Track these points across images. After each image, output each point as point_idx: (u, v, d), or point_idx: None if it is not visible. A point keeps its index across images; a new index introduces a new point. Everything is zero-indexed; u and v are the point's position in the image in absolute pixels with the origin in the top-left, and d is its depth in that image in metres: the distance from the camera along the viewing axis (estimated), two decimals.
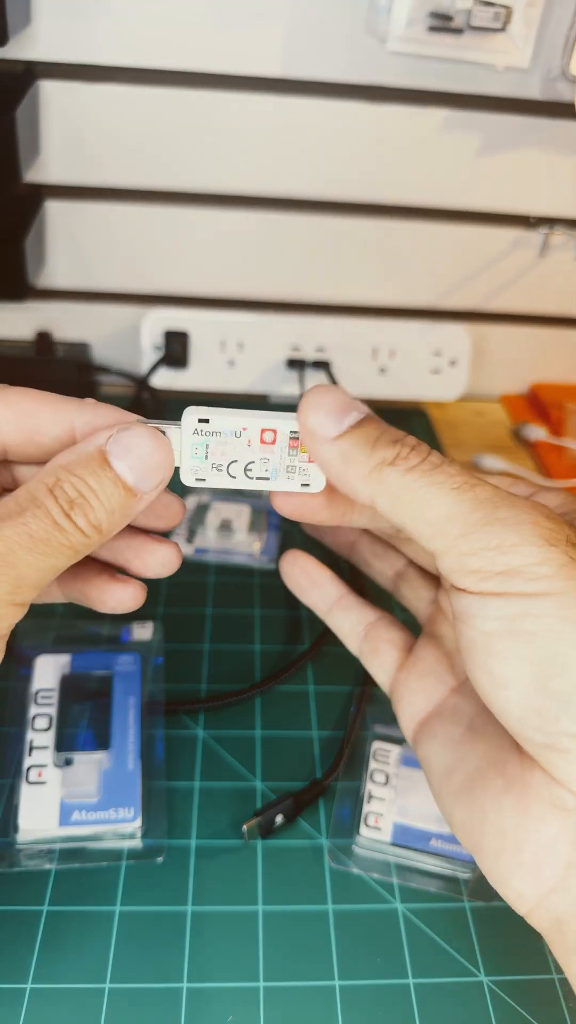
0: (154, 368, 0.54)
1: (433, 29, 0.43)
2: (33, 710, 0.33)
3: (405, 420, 0.58)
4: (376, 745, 0.33)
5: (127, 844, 0.30)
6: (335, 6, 0.45)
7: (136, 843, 0.30)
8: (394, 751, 0.33)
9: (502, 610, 0.18)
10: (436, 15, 0.42)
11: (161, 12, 0.45)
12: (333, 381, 0.55)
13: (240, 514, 0.46)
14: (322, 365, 0.55)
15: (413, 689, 0.25)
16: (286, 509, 0.22)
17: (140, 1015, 0.25)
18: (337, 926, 0.28)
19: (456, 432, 0.58)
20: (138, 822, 0.30)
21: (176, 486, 0.22)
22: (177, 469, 0.21)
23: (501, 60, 0.44)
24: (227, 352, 0.55)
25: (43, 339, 0.55)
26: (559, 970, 0.27)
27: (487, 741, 0.22)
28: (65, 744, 0.32)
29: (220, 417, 0.21)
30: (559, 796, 0.19)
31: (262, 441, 0.21)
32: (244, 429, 0.21)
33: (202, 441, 0.21)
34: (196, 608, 0.41)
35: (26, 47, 0.45)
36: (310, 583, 0.28)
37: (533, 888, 0.19)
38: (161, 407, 0.56)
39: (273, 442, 0.21)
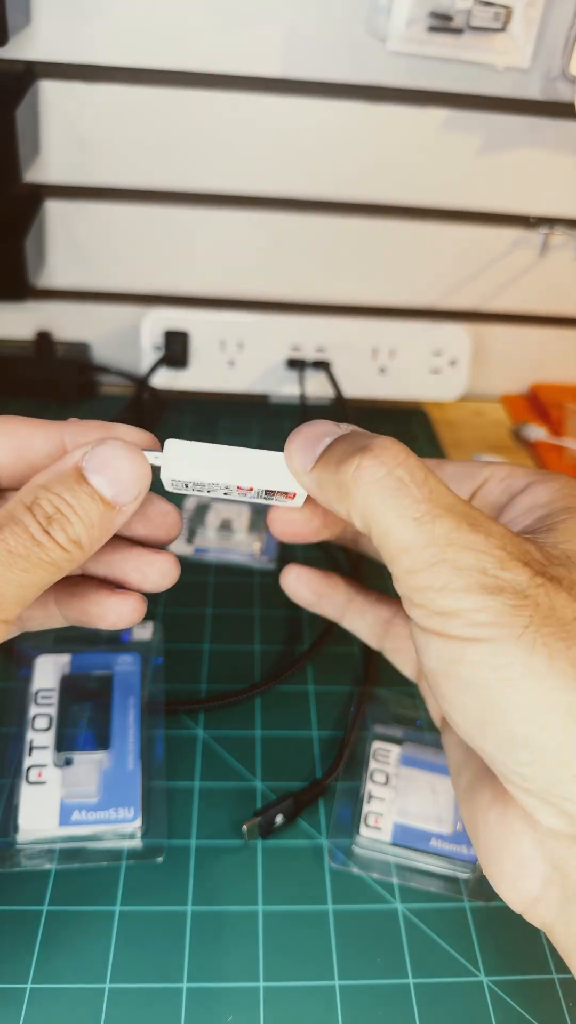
0: (154, 368, 0.54)
1: (433, 29, 0.43)
2: (33, 710, 0.33)
3: (405, 420, 0.58)
4: (376, 745, 0.33)
5: (127, 844, 0.30)
6: (335, 6, 0.45)
7: (136, 843, 0.30)
8: (394, 751, 0.33)
9: (441, 651, 0.18)
10: (436, 15, 0.42)
11: (161, 12, 0.45)
12: (333, 381, 0.55)
13: (240, 514, 0.46)
14: (322, 365, 0.55)
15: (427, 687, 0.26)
16: (285, 535, 0.23)
17: (140, 1015, 0.25)
18: (337, 926, 0.28)
19: (456, 432, 0.58)
20: (138, 822, 0.30)
21: (158, 487, 0.22)
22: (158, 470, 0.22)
23: (501, 60, 0.44)
24: (227, 352, 0.55)
25: (43, 339, 0.55)
26: (559, 970, 0.28)
27: None
28: (65, 744, 0.32)
29: (197, 471, 0.21)
30: (530, 818, 0.19)
31: (239, 489, 0.21)
32: (221, 484, 0.21)
33: (181, 482, 0.22)
34: (196, 608, 0.41)
35: (26, 47, 0.45)
36: (317, 596, 0.27)
37: (519, 896, 0.20)
38: (161, 407, 0.56)
39: (250, 490, 0.22)
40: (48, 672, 0.34)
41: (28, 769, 0.31)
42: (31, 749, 0.31)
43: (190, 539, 0.44)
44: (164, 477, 0.21)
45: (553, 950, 0.28)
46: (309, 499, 0.22)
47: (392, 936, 0.28)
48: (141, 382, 0.54)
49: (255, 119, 0.49)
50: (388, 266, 0.55)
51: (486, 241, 0.55)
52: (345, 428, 0.20)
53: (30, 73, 0.47)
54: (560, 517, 0.20)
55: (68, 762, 0.31)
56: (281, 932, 0.28)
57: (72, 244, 0.53)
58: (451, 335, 0.56)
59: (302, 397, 0.55)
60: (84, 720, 0.33)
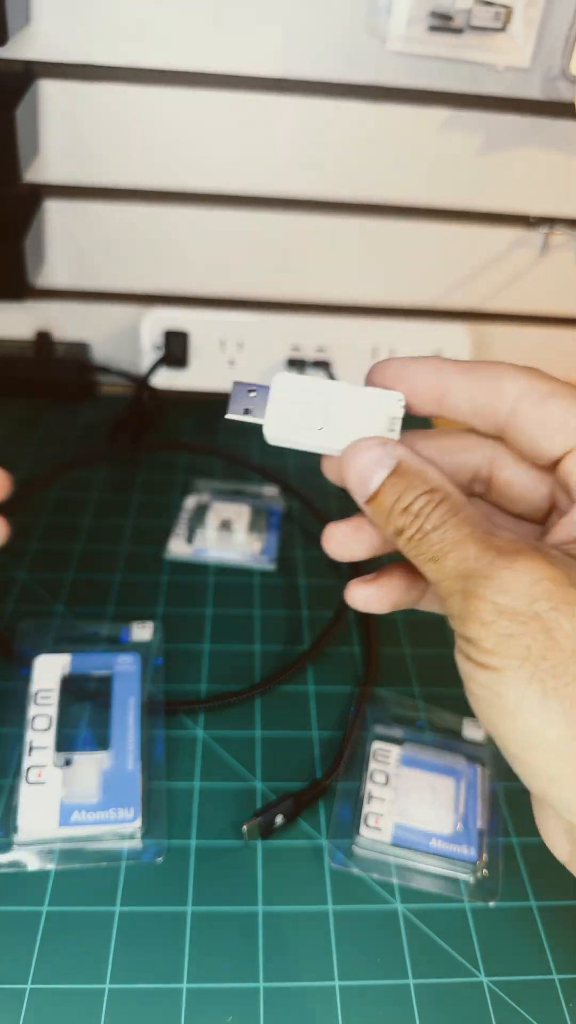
0: (154, 368, 0.54)
1: (433, 29, 0.43)
2: (33, 710, 0.33)
3: (404, 420, 0.58)
4: (376, 745, 0.33)
5: (127, 844, 0.30)
6: (335, 6, 0.45)
7: (136, 843, 0.30)
8: (394, 751, 0.33)
9: (464, 668, 0.19)
10: (436, 15, 0.42)
11: (161, 12, 0.45)
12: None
13: (240, 514, 0.46)
14: (322, 365, 0.55)
15: None
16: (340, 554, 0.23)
17: (140, 1015, 0.25)
18: (337, 927, 0.28)
19: None
20: (138, 822, 0.30)
21: None
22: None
23: (501, 60, 0.44)
24: (227, 352, 0.55)
25: (43, 339, 0.55)
26: (559, 970, 0.27)
27: None
28: (65, 744, 0.32)
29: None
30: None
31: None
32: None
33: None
34: (196, 608, 0.41)
35: (25, 47, 0.45)
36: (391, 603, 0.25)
37: (558, 853, 0.22)
38: (161, 407, 0.56)
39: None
40: (48, 672, 0.34)
41: (28, 769, 0.31)
42: (31, 749, 0.31)
43: (190, 539, 0.44)
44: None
45: (554, 949, 0.28)
46: None
47: (392, 937, 0.28)
48: (141, 382, 0.54)
49: (255, 119, 0.49)
50: (388, 266, 0.55)
51: (486, 241, 0.55)
52: (391, 455, 0.21)
53: (30, 73, 0.47)
54: None
55: (68, 762, 0.31)
56: (281, 933, 0.28)
57: (72, 244, 0.53)
58: (451, 334, 0.56)
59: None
60: (84, 720, 0.33)
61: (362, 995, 0.26)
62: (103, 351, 0.58)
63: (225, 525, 0.45)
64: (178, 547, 0.44)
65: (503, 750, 0.19)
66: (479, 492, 0.23)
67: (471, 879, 0.30)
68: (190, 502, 0.47)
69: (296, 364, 0.55)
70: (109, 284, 0.55)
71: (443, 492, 0.20)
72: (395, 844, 0.30)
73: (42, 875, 0.29)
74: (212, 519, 0.45)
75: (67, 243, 0.53)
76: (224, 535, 0.45)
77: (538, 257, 0.56)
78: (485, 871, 0.30)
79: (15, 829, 0.29)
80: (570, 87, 0.47)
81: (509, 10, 0.43)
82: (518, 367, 0.21)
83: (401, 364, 0.22)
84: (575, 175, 0.52)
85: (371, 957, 0.27)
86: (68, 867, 0.29)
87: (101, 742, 0.32)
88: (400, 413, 0.22)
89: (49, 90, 0.47)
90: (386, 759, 0.33)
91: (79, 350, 0.57)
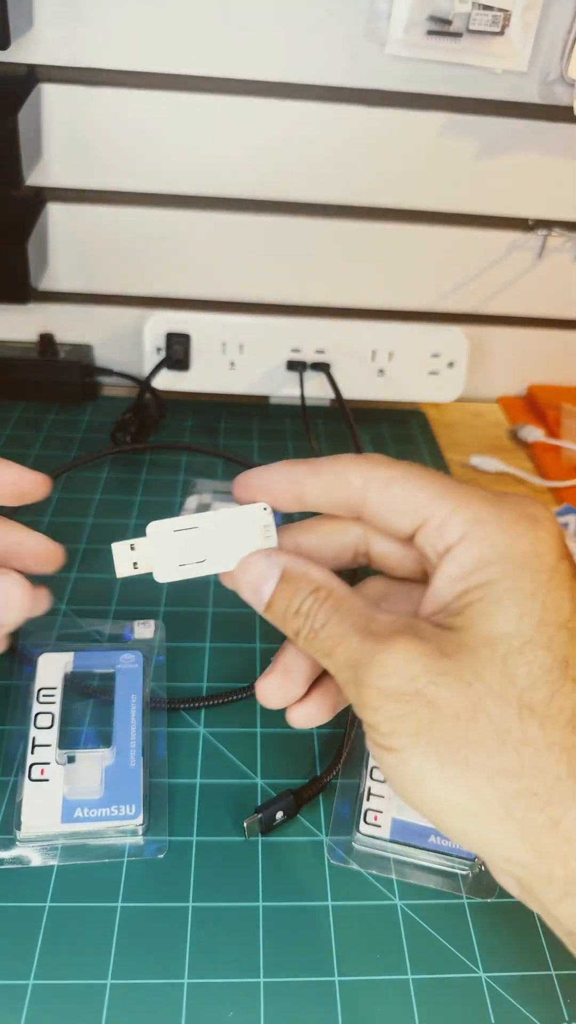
0: (156, 370, 0.54)
1: (432, 33, 0.43)
2: (36, 708, 0.33)
3: (403, 421, 0.59)
4: None
5: (129, 841, 0.30)
6: (335, 11, 0.45)
7: (138, 840, 0.30)
8: None
9: (374, 753, 0.21)
10: (435, 19, 0.43)
11: (162, 16, 0.45)
12: (333, 383, 0.55)
13: None
14: (322, 367, 0.56)
15: None
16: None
17: (142, 1010, 0.26)
18: (337, 922, 0.28)
19: (454, 433, 0.58)
20: (140, 819, 0.30)
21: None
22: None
23: (499, 64, 0.45)
24: (228, 354, 0.55)
25: (46, 341, 0.56)
26: (557, 966, 0.28)
27: None
28: (68, 742, 0.32)
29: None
30: None
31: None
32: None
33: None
34: (198, 607, 0.41)
35: (28, 51, 0.46)
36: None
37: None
38: (163, 409, 0.56)
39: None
40: (51, 670, 0.34)
41: (31, 766, 0.31)
42: (34, 746, 0.32)
43: None
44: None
45: (551, 946, 0.28)
46: None
47: (391, 932, 0.28)
48: (143, 384, 0.55)
49: (256, 123, 0.49)
50: (387, 269, 0.56)
51: (484, 244, 0.55)
52: (274, 566, 0.22)
53: (32, 76, 0.47)
54: (473, 596, 0.20)
55: (71, 759, 0.31)
56: (281, 928, 0.28)
57: (74, 247, 0.53)
58: (449, 337, 0.56)
59: (302, 399, 0.55)
60: (86, 718, 0.34)
61: (361, 990, 0.27)
62: (106, 353, 0.58)
63: None
64: None
65: (429, 821, 0.20)
66: (364, 564, 0.25)
67: (469, 875, 0.30)
68: (191, 502, 0.47)
69: (296, 366, 0.55)
70: (112, 287, 0.56)
71: (327, 588, 0.22)
72: (394, 840, 0.30)
73: (45, 871, 0.29)
74: None
75: (70, 246, 0.53)
76: None
77: (536, 260, 0.56)
78: (483, 867, 0.30)
79: (18, 825, 0.29)
80: (568, 91, 0.47)
81: (507, 14, 0.43)
82: (359, 458, 0.22)
83: (257, 475, 0.24)
84: (573, 178, 0.52)
85: (370, 952, 0.28)
86: (70, 863, 0.29)
87: (103, 739, 0.33)
88: (270, 520, 0.24)
89: (52, 94, 0.47)
90: None
91: (82, 352, 0.57)
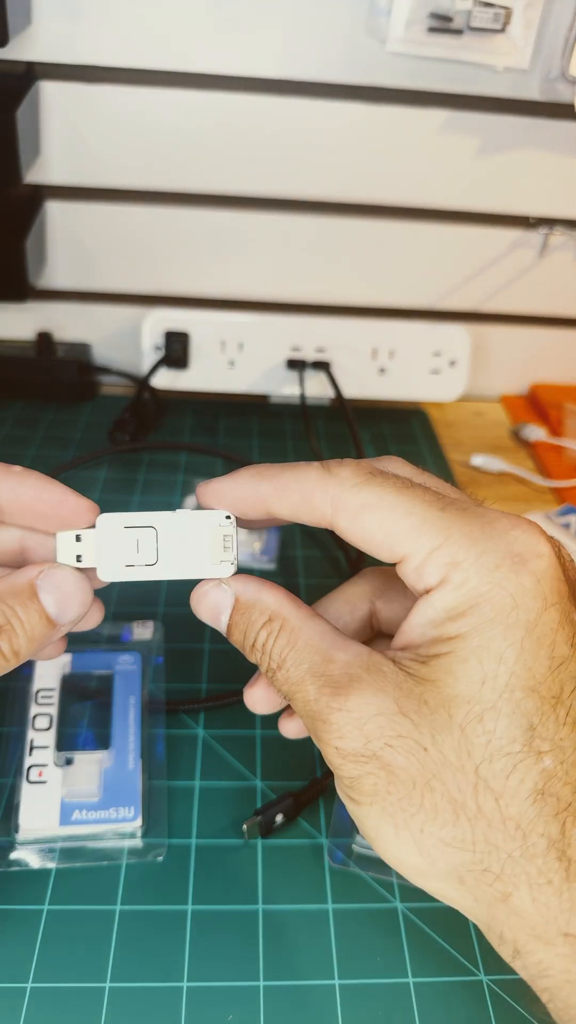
0: (155, 369, 0.54)
1: (433, 30, 0.43)
2: (34, 709, 0.33)
3: (405, 420, 0.58)
4: None
5: (127, 843, 0.30)
6: (335, 7, 0.45)
7: (136, 842, 0.30)
8: None
9: (348, 806, 0.20)
10: (436, 16, 0.43)
11: (161, 13, 0.45)
12: (333, 381, 0.55)
13: None
14: (322, 365, 0.55)
15: None
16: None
17: (140, 1014, 0.25)
18: (337, 925, 0.28)
19: (455, 432, 0.58)
20: (138, 821, 0.30)
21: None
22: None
23: (501, 61, 0.45)
24: (227, 352, 0.55)
25: (44, 339, 0.55)
26: None
27: None
28: (66, 743, 0.32)
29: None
30: None
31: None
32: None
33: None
34: None
35: (26, 48, 0.45)
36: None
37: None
38: (162, 407, 0.56)
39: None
40: (49, 672, 0.34)
41: (29, 768, 0.31)
42: (32, 748, 0.31)
43: None
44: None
45: None
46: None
47: (392, 935, 0.28)
48: (142, 382, 0.54)
49: (255, 120, 0.49)
50: (388, 267, 0.56)
51: (486, 241, 0.55)
52: (227, 597, 0.22)
53: (31, 74, 0.47)
54: (442, 649, 0.19)
55: (69, 761, 0.31)
56: (281, 931, 0.28)
57: (73, 245, 0.53)
58: (451, 335, 0.56)
59: (302, 397, 0.55)
60: (85, 719, 0.34)
61: (362, 993, 0.26)
62: (104, 352, 0.58)
63: None
64: None
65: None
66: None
67: None
68: (190, 502, 0.47)
69: (296, 365, 0.55)
70: (110, 285, 0.55)
71: (280, 618, 0.21)
72: None
73: (43, 874, 0.29)
74: None
75: (68, 244, 0.53)
76: None
77: (537, 258, 0.56)
78: None
79: (16, 828, 0.29)
80: (569, 88, 0.47)
81: (509, 11, 0.43)
82: (326, 478, 0.21)
83: (221, 486, 0.23)
84: (574, 176, 0.52)
85: (371, 955, 0.27)
86: (69, 866, 0.29)
87: (102, 741, 0.33)
88: (231, 531, 0.22)
89: (50, 91, 0.47)
90: None
91: (80, 351, 0.57)
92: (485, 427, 0.59)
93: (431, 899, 0.29)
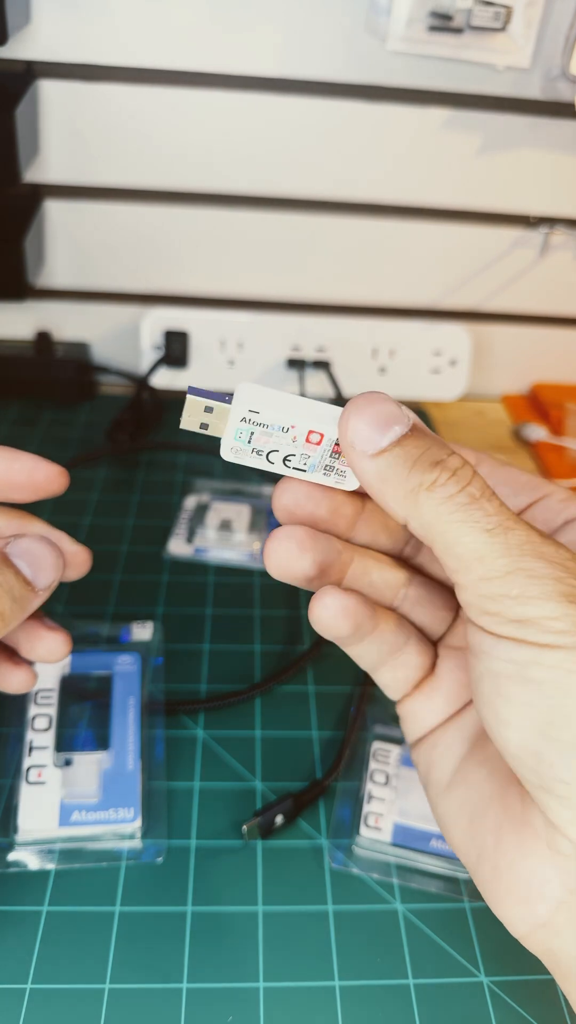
0: (154, 368, 0.54)
1: (433, 28, 0.43)
2: (33, 710, 0.33)
3: None
4: (376, 745, 0.33)
5: (127, 844, 0.30)
6: (335, 5, 0.45)
7: (136, 843, 0.30)
8: (394, 751, 0.33)
9: (513, 654, 0.18)
10: (436, 15, 0.42)
11: (161, 12, 0.45)
12: (333, 381, 0.55)
13: (240, 514, 0.46)
14: (322, 365, 0.55)
15: (424, 704, 0.24)
16: (294, 514, 0.22)
17: (140, 1015, 0.25)
18: (337, 926, 0.28)
19: (456, 432, 0.58)
20: (138, 822, 0.30)
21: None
22: (218, 440, 0.21)
23: (501, 60, 0.44)
24: (227, 352, 0.55)
25: (43, 339, 0.55)
26: None
27: (490, 766, 0.21)
28: (65, 744, 0.32)
29: (270, 411, 0.21)
30: (554, 838, 0.19)
31: (307, 440, 0.21)
32: (292, 427, 0.21)
33: (248, 428, 0.21)
34: (196, 608, 0.41)
35: (26, 46, 0.45)
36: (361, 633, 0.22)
37: (526, 919, 0.19)
38: (161, 407, 0.56)
39: (319, 443, 0.21)
40: (48, 672, 0.34)
41: (28, 769, 0.31)
42: (31, 749, 0.31)
43: (190, 539, 0.44)
44: (227, 434, 0.21)
45: None
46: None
47: (392, 936, 0.28)
48: (141, 382, 0.54)
49: (254, 119, 0.49)
50: (388, 266, 0.55)
51: (486, 241, 0.55)
52: (408, 415, 0.20)
53: (30, 72, 0.47)
54: None
55: (68, 762, 0.31)
56: (281, 932, 0.28)
57: (72, 244, 0.53)
58: (451, 335, 0.56)
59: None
60: (84, 720, 0.33)
61: (362, 995, 0.26)
62: (103, 351, 0.58)
63: (225, 525, 0.45)
64: (178, 547, 0.44)
65: (541, 735, 0.18)
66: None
67: (471, 879, 0.30)
68: (190, 502, 0.47)
69: (296, 364, 0.55)
70: (109, 284, 0.55)
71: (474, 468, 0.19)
72: (395, 844, 0.30)
73: (42, 875, 0.29)
74: (212, 519, 0.45)
75: (67, 243, 0.53)
76: (224, 535, 0.45)
77: (538, 257, 0.56)
78: None
79: (15, 829, 0.29)
80: (570, 87, 0.47)
81: (509, 10, 0.43)
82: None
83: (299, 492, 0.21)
84: (575, 175, 0.52)
85: (371, 957, 0.27)
86: (68, 867, 0.29)
87: (101, 742, 0.32)
88: None
89: (49, 90, 0.47)
90: (386, 759, 0.33)
91: (79, 350, 0.57)
92: (486, 427, 0.59)
93: (431, 900, 0.29)
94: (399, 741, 0.34)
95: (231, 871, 0.29)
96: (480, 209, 0.53)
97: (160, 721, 0.34)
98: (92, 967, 0.26)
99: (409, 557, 0.24)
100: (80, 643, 0.37)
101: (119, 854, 0.30)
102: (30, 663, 0.27)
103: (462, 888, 0.30)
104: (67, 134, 0.49)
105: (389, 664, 0.23)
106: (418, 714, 0.24)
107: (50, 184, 0.51)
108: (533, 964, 0.27)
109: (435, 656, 0.24)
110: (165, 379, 0.55)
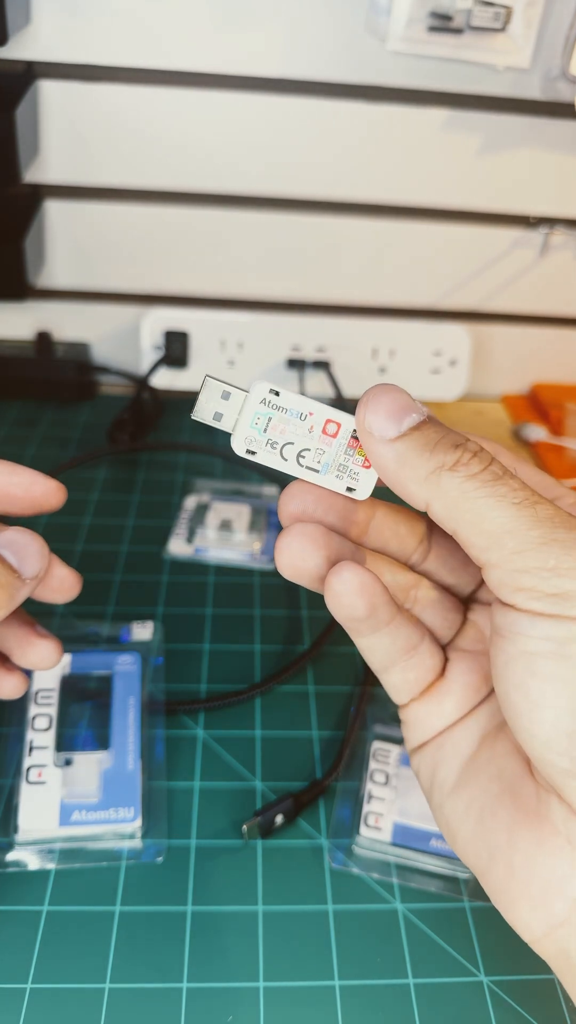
0: (154, 368, 0.54)
1: (433, 29, 0.43)
2: (33, 710, 0.33)
3: None
4: (376, 745, 0.33)
5: (127, 844, 0.30)
6: (335, 6, 0.45)
7: (136, 843, 0.30)
8: (394, 751, 0.33)
9: (550, 631, 0.18)
10: (436, 15, 0.42)
11: (161, 12, 0.45)
12: (333, 381, 0.55)
13: (240, 514, 0.46)
14: (322, 365, 0.55)
15: (433, 708, 0.23)
16: (304, 513, 0.22)
17: (140, 1015, 0.25)
18: (337, 926, 0.28)
19: None
20: (138, 822, 0.30)
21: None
22: (228, 435, 0.21)
23: (501, 60, 0.44)
24: (227, 352, 0.55)
25: (43, 339, 0.55)
26: None
27: (500, 764, 0.21)
28: (65, 744, 0.32)
29: (290, 395, 0.21)
30: (575, 832, 0.18)
31: (324, 431, 0.21)
32: (311, 414, 0.21)
33: (266, 413, 0.21)
34: (196, 608, 0.41)
35: (26, 47, 0.45)
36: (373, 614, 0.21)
37: (541, 920, 0.19)
38: (161, 407, 0.56)
39: (335, 435, 0.21)
40: (48, 672, 0.34)
41: (28, 769, 0.31)
42: (31, 749, 0.31)
43: (190, 539, 0.44)
44: (242, 422, 0.21)
45: None
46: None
47: (392, 936, 0.28)
48: (141, 382, 0.54)
49: (254, 119, 0.49)
50: (388, 266, 0.55)
51: (486, 241, 0.55)
52: (423, 407, 0.20)
53: (30, 73, 0.47)
54: None
55: (68, 762, 0.31)
56: (281, 932, 0.28)
57: (72, 244, 0.53)
58: (451, 335, 0.56)
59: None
60: (84, 720, 0.33)
61: (362, 995, 0.26)
62: (103, 351, 0.58)
63: (225, 525, 0.45)
64: (178, 547, 0.44)
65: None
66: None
67: (471, 879, 0.30)
68: (190, 502, 0.47)
69: (296, 364, 0.55)
70: (109, 284, 0.55)
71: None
72: (395, 844, 0.30)
73: (42, 875, 0.29)
74: (212, 519, 0.45)
75: (67, 243, 0.53)
76: (224, 535, 0.45)
77: (538, 257, 0.56)
78: None
79: (15, 829, 0.29)
80: (570, 87, 0.47)
81: (509, 10, 0.43)
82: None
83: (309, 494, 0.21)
84: (575, 175, 0.52)
85: (371, 957, 0.27)
86: (68, 867, 0.29)
87: (101, 742, 0.32)
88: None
89: (49, 90, 0.47)
90: (386, 759, 0.33)
91: (79, 350, 0.57)
92: (486, 427, 0.59)
93: (431, 900, 0.29)
94: (399, 741, 0.34)
95: (231, 871, 0.29)
96: (480, 209, 0.53)
97: (160, 721, 0.34)
98: (92, 967, 0.26)
99: (416, 564, 0.24)
100: (80, 643, 0.37)
101: (119, 854, 0.30)
102: (22, 669, 0.27)
103: (462, 888, 0.30)
104: (67, 134, 0.49)
105: (401, 664, 0.23)
106: (425, 718, 0.23)
107: (50, 184, 0.51)
108: (533, 964, 0.28)
109: (445, 659, 0.24)
110: (165, 379, 0.55)
